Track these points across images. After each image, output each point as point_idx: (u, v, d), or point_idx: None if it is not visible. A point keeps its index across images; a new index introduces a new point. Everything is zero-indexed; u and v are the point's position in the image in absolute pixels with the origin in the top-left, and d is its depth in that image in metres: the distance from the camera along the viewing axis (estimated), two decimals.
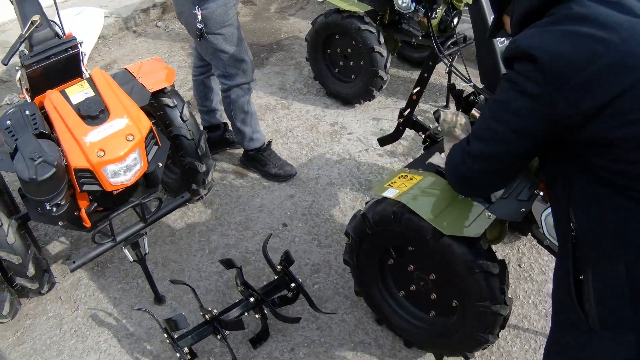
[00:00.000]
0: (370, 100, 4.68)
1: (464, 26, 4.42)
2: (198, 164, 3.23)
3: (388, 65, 4.35)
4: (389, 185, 2.52)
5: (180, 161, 3.25)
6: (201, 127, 3.32)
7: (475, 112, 2.82)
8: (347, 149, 4.25)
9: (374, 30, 4.21)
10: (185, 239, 3.46)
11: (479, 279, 2.33)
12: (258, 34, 5.83)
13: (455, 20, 4.40)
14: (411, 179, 2.54)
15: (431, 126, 3.28)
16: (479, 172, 1.99)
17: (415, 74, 5.30)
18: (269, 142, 3.91)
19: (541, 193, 2.43)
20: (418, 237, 2.44)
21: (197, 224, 3.56)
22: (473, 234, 2.28)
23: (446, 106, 4.90)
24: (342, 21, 4.26)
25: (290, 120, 4.52)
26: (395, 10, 4.48)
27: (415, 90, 3.16)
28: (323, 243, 3.46)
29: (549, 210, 2.28)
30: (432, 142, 3.13)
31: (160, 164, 2.86)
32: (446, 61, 2.88)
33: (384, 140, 3.53)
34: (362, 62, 4.41)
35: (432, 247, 2.41)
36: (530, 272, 3.37)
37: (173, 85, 3.19)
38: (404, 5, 4.22)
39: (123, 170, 2.59)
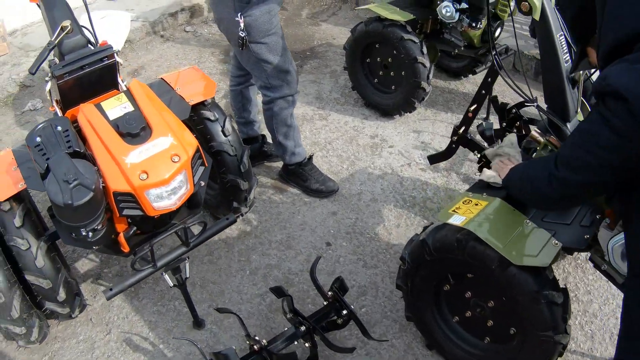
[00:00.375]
0: (410, 112, 4.56)
1: (502, 35, 4.37)
2: (240, 182, 3.12)
3: (431, 76, 4.23)
4: (454, 211, 2.42)
5: (222, 178, 3.14)
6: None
7: (535, 133, 2.71)
8: (389, 163, 4.13)
9: (416, 40, 4.09)
10: (224, 259, 3.35)
11: (543, 309, 2.25)
12: (290, 40, 5.71)
13: (498, 31, 4.27)
14: (476, 205, 2.43)
15: (486, 145, 3.14)
16: (565, 195, 2.02)
17: (453, 84, 5.18)
18: (310, 157, 3.80)
19: (607, 220, 2.33)
20: (482, 266, 2.35)
21: (237, 242, 3.46)
22: (542, 263, 2.21)
23: (486, 118, 4.75)
24: (384, 30, 4.14)
25: (329, 132, 4.40)
26: (437, 20, 4.37)
27: (472, 108, 3.04)
28: (369, 264, 3.35)
29: (618, 238, 2.21)
30: (486, 162, 2.99)
31: (203, 183, 2.71)
32: (507, 78, 2.72)
33: (434, 158, 3.40)
34: (403, 73, 4.29)
35: (497, 276, 2.31)
36: (576, 292, 3.25)
37: (213, 98, 3.06)
38: (448, 14, 4.10)
39: (167, 194, 2.42)
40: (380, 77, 4.52)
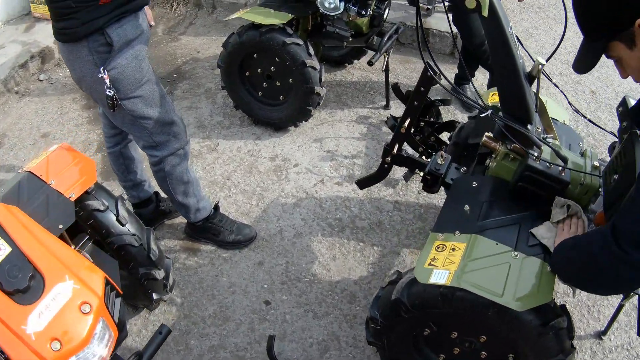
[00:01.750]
0: (307, 120, 4.25)
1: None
2: (155, 272, 2.73)
3: (323, 78, 3.92)
4: (431, 264, 2.16)
5: (132, 274, 2.72)
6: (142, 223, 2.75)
7: (488, 139, 2.51)
8: (300, 186, 3.85)
9: (300, 42, 3.78)
10: (161, 354, 2.94)
11: (550, 339, 2.13)
12: (153, 64, 5.11)
13: (387, 12, 4.05)
14: (453, 249, 2.21)
15: (425, 158, 2.91)
16: (632, 280, 1.77)
17: (339, 75, 4.96)
18: (216, 206, 3.41)
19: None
20: (474, 314, 2.16)
21: None
22: (546, 299, 2.04)
23: (386, 106, 4.55)
24: (262, 38, 3.79)
25: (223, 164, 4.03)
26: (317, 14, 4.05)
27: (406, 123, 2.74)
28: (319, 313, 3.09)
29: None
30: (434, 179, 2.75)
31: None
32: (443, 82, 2.48)
33: (364, 183, 3.14)
34: (290, 80, 3.99)
35: (494, 321, 2.14)
36: None
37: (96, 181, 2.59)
38: (332, 6, 3.81)
39: (92, 352, 1.96)
40: (264, 89, 4.17)
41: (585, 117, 2.80)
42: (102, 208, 2.52)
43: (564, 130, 2.98)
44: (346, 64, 5.05)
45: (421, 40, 2.45)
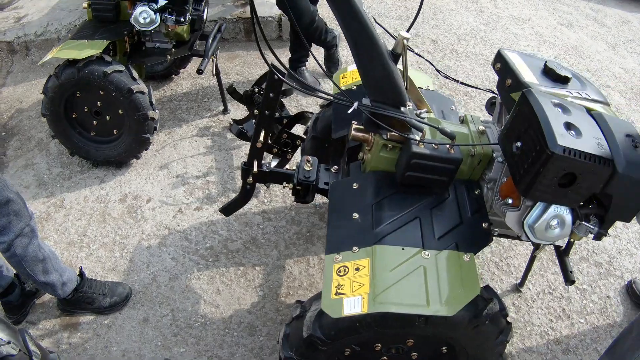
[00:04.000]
0: (147, 149, 3.81)
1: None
2: None
3: (154, 100, 3.53)
4: (338, 293, 1.90)
5: None
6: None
7: (357, 132, 2.27)
8: (159, 222, 3.47)
9: (122, 69, 3.37)
10: None
11: (487, 327, 1.98)
12: None
13: (206, 12, 3.74)
14: (357, 269, 1.96)
15: (289, 167, 2.65)
16: None
17: (168, 89, 4.54)
18: (81, 273, 2.96)
19: (509, 201, 2.11)
20: (400, 328, 1.94)
21: None
22: (474, 293, 1.89)
23: (225, 111, 4.25)
24: (80, 74, 3.33)
25: (75, 220, 3.52)
26: (133, 33, 3.65)
27: (260, 138, 2.45)
28: (223, 356, 2.80)
29: (535, 215, 2.03)
30: (305, 189, 2.50)
31: None
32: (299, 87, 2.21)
33: (230, 210, 2.83)
34: (120, 111, 3.55)
35: (423, 329, 1.93)
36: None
37: None
38: (148, 21, 3.43)
39: None
40: (96, 127, 3.70)
41: (457, 81, 2.64)
42: None
43: (432, 97, 2.80)
44: (173, 76, 4.67)
45: (260, 39, 2.13)
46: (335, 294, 1.89)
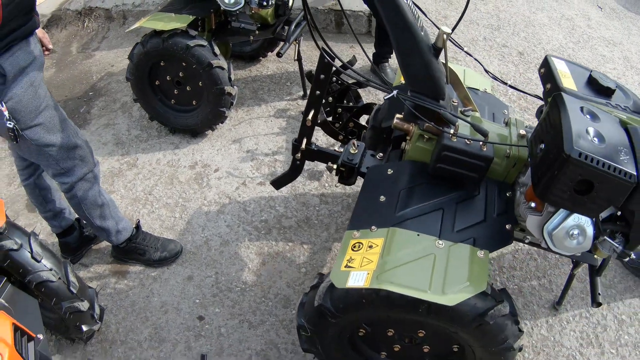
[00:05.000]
0: (222, 122, 4.00)
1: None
2: (79, 304, 2.49)
3: (232, 77, 3.67)
4: (348, 266, 1.95)
5: (56, 310, 2.49)
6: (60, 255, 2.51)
7: (399, 121, 2.31)
8: (222, 191, 3.61)
9: (205, 43, 3.53)
10: None
11: (493, 327, 1.94)
12: (68, 85, 4.79)
13: (292, 0, 3.83)
14: (370, 246, 2.00)
15: (335, 149, 2.71)
16: None
17: (254, 70, 4.70)
18: (137, 225, 3.15)
19: (532, 205, 2.06)
20: (405, 312, 1.97)
21: None
22: (479, 289, 1.85)
23: (304, 96, 4.35)
24: (165, 44, 3.52)
25: (144, 179, 3.75)
26: (219, 12, 3.81)
27: (309, 116, 2.53)
28: (254, 322, 2.87)
29: (555, 222, 1.96)
30: (349, 171, 2.56)
31: (41, 336, 2.06)
32: (354, 73, 2.27)
33: (279, 183, 2.92)
34: (200, 84, 3.73)
35: (427, 318, 1.96)
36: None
37: (7, 219, 2.35)
38: (232, 1, 3.59)
39: None
40: (176, 96, 3.90)
41: (505, 84, 2.60)
42: (15, 247, 2.30)
43: (487, 99, 2.79)
44: (260, 58, 4.80)
45: (311, 25, 2.24)
46: (345, 267, 1.95)
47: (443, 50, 2.13)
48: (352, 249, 2.01)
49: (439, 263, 1.90)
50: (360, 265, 1.92)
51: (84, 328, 2.60)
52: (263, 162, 3.81)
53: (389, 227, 2.03)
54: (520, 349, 2.09)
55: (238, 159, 3.84)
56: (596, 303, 2.36)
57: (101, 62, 5.04)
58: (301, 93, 4.42)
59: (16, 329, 1.88)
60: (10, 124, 2.33)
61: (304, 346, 2.33)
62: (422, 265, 1.90)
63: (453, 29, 2.24)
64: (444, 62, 2.21)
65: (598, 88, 2.14)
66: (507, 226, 2.10)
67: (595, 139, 1.78)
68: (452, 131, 2.12)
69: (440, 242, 1.98)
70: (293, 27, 3.90)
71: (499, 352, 2.03)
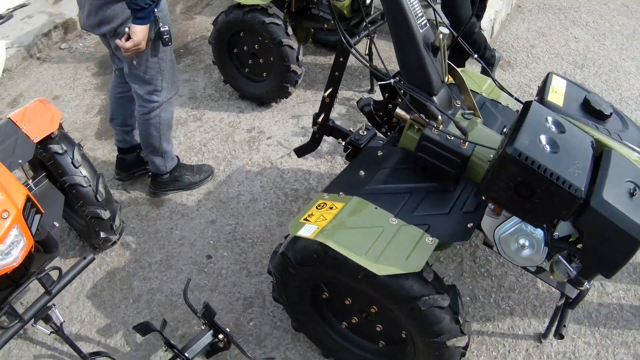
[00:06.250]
0: (287, 97, 4.26)
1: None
2: (101, 212, 2.84)
3: (300, 57, 3.92)
4: (306, 219, 2.12)
5: (81, 212, 2.85)
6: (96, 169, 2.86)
7: (400, 110, 2.41)
8: (268, 156, 3.84)
9: (279, 22, 3.77)
10: (107, 290, 3.02)
11: (427, 315, 1.98)
12: None
13: None
14: (331, 208, 2.15)
15: (352, 130, 2.86)
16: None
17: (332, 58, 4.84)
18: (178, 158, 3.52)
19: (491, 206, 2.08)
20: (347, 276, 2.08)
21: (117, 270, 3.11)
22: (413, 268, 1.90)
23: (371, 90, 4.50)
24: (244, 17, 3.81)
25: (204, 132, 4.07)
26: None
27: (327, 93, 2.71)
28: (253, 271, 3.08)
29: (506, 227, 2.00)
30: (355, 150, 2.71)
31: (57, 224, 2.46)
32: (359, 57, 2.39)
33: (300, 151, 3.11)
34: (271, 58, 3.99)
35: (366, 286, 2.05)
36: (488, 267, 3.09)
37: (61, 128, 2.77)
38: None
39: (5, 253, 2.09)
40: (250, 66, 4.19)
41: (510, 95, 2.65)
42: (60, 151, 2.71)
43: (503, 111, 2.81)
44: None
45: (332, 15, 2.42)
46: (303, 219, 2.11)
47: (442, 49, 2.24)
48: (316, 207, 2.17)
49: (384, 236, 2.00)
50: (316, 221, 2.07)
51: (102, 235, 2.95)
52: None
53: (353, 196, 2.17)
54: (463, 355, 2.13)
55: (292, 133, 4.06)
56: (559, 334, 2.34)
57: (199, 25, 5.45)
58: (369, 87, 4.56)
59: (29, 200, 2.21)
60: (164, 27, 2.72)
61: (274, 295, 2.50)
62: (368, 234, 2.01)
63: (459, 34, 2.35)
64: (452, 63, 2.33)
65: (590, 110, 2.16)
66: (469, 225, 2.12)
67: (547, 146, 1.82)
68: (436, 124, 2.22)
69: (394, 219, 2.06)
70: (364, 23, 4.05)
71: (435, 348, 2.07)
